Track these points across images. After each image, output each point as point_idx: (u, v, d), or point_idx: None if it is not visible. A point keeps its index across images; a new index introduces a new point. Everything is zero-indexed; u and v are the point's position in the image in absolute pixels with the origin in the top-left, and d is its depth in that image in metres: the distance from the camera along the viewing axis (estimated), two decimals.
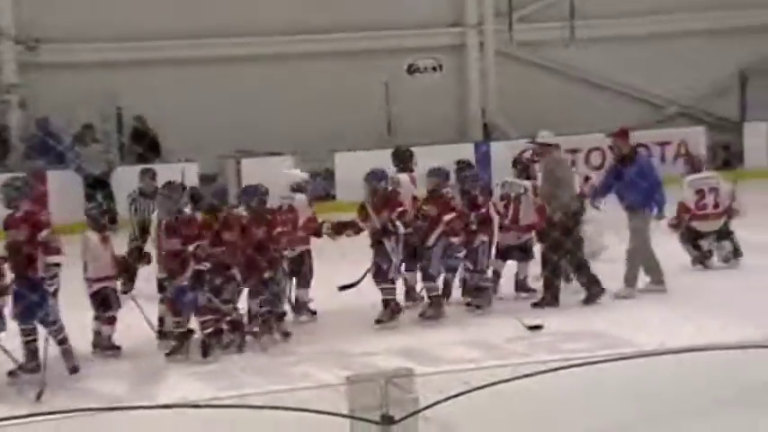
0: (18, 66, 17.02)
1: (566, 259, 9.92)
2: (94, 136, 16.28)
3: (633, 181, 9.87)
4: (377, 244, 9.29)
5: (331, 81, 17.76)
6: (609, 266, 10.09)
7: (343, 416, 5.86)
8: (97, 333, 8.89)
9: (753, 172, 18.40)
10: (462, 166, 10.27)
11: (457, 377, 7.30)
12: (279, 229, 9.02)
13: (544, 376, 6.67)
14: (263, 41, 17.85)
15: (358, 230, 9.60)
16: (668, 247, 10.52)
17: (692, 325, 8.24)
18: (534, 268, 10.24)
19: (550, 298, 9.74)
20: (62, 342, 8.30)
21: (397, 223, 9.29)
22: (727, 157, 19.05)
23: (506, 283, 10.39)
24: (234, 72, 17.53)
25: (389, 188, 9.55)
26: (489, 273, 9.93)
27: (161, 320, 9.09)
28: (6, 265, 8.16)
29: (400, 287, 9.72)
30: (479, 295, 9.71)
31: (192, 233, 8.61)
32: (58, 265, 8.13)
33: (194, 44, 17.49)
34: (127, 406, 7.04)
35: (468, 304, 9.75)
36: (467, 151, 17.56)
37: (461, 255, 9.64)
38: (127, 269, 9.14)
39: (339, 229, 9.65)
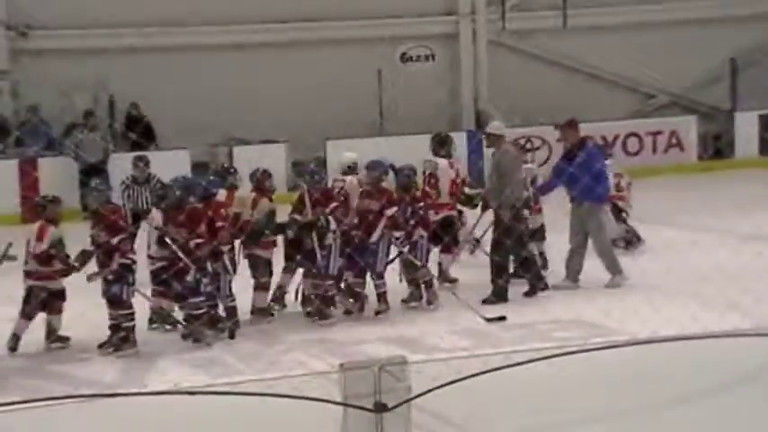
0: (9, 52, 16.94)
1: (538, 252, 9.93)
2: (95, 123, 16.22)
3: (578, 172, 9.78)
4: (309, 236, 9.17)
5: (324, 69, 17.71)
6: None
7: (337, 403, 5.87)
8: (160, 308, 9.08)
9: (743, 161, 18.46)
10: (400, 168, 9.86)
11: (450, 365, 7.34)
12: (220, 224, 8.84)
13: (537, 364, 6.70)
14: (256, 29, 17.80)
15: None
16: (664, 236, 10.55)
17: (685, 313, 8.26)
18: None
19: (498, 293, 9.61)
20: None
21: (330, 218, 9.17)
22: (719, 147, 19.09)
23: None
24: (226, 60, 17.48)
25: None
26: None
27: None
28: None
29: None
30: (416, 290, 9.58)
31: (117, 225, 8.49)
32: None
33: (187, 31, 17.43)
34: (119, 393, 7.04)
35: (403, 301, 9.61)
36: (459, 140, 17.58)
37: (406, 249, 9.45)
38: None
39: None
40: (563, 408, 6.95)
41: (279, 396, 5.92)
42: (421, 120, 17.76)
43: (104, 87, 16.82)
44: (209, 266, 8.73)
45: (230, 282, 8.99)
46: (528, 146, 17.99)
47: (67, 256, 8.58)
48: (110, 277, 8.43)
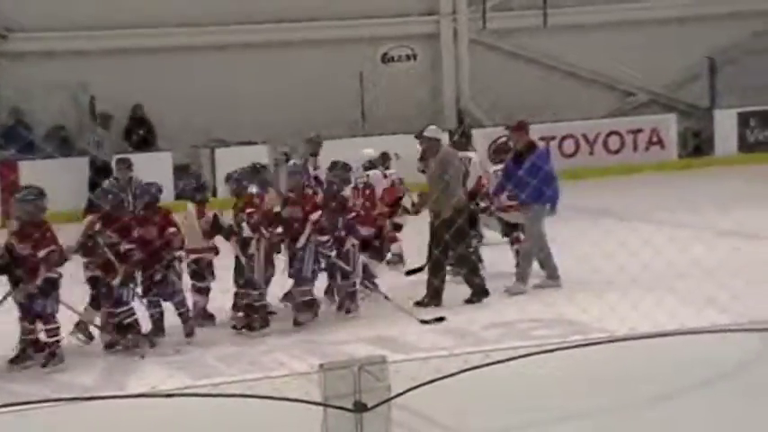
0: None
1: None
2: (109, 122, 16.30)
3: (526, 175, 9.73)
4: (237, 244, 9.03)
5: (306, 70, 17.73)
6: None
7: (317, 403, 5.89)
8: (194, 304, 9.21)
9: (723, 158, 18.58)
10: (332, 166, 9.74)
11: (429, 364, 7.36)
12: (171, 230, 8.77)
13: (516, 362, 6.74)
14: (237, 30, 17.78)
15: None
16: (643, 233, 10.53)
17: (663, 310, 8.31)
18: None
19: (432, 296, 9.50)
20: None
21: (243, 225, 8.94)
22: (698, 144, 19.20)
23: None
24: (207, 61, 17.47)
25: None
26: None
27: None
28: None
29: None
30: (352, 300, 9.39)
31: (42, 239, 8.26)
32: None
33: (167, 33, 17.40)
34: (98, 396, 7.03)
35: (338, 308, 9.45)
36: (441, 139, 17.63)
37: (333, 254, 9.26)
38: None
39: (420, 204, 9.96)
40: (543, 406, 6.98)
41: (259, 397, 5.93)
42: (403, 119, 17.81)
43: (85, 89, 16.76)
44: (138, 275, 8.60)
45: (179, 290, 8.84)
46: (510, 144, 18.07)
47: None
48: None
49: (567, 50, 19.32)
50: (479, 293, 9.64)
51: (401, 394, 6.08)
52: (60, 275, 8.32)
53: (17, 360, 8.27)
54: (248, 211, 8.98)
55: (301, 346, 8.63)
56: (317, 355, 7.97)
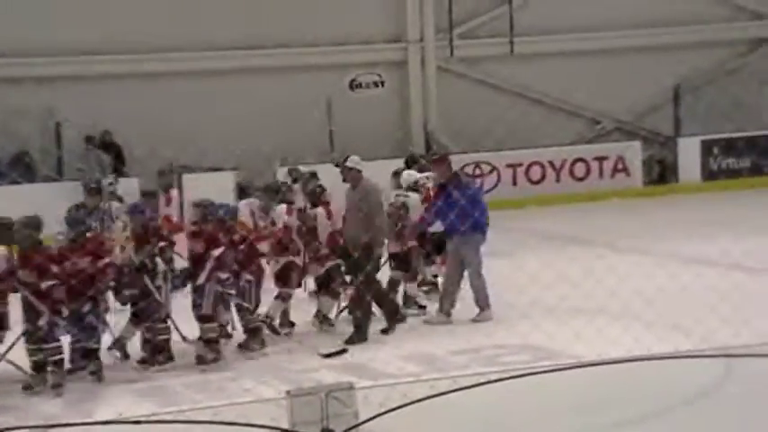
0: None
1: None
2: (105, 142, 16.31)
3: (452, 206, 9.69)
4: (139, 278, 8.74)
5: (273, 96, 17.78)
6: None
7: (284, 430, 5.89)
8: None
9: (686, 186, 18.81)
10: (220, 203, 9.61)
11: (397, 390, 7.37)
12: (106, 261, 8.52)
13: (483, 388, 6.76)
14: (206, 56, 17.82)
15: None
16: (609, 261, 10.63)
17: (629, 336, 8.37)
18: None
19: (360, 333, 9.32)
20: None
21: (157, 259, 8.71)
22: (662, 172, 19.43)
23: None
24: (175, 87, 17.47)
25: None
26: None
27: None
28: None
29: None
30: (253, 336, 9.14)
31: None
32: None
33: (133, 59, 17.39)
34: (65, 423, 6.96)
35: (239, 346, 9.18)
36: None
37: (233, 292, 9.03)
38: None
39: None
40: (510, 431, 7.00)
41: (226, 423, 5.92)
42: (371, 146, 17.86)
43: (51, 115, 16.68)
44: (64, 309, 8.31)
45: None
46: (477, 171, 18.23)
47: None
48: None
49: (534, 78, 19.52)
50: (358, 335, 9.32)
51: (369, 420, 6.10)
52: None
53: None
54: (162, 245, 8.78)
55: (268, 372, 8.58)
56: (284, 382, 7.94)
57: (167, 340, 8.79)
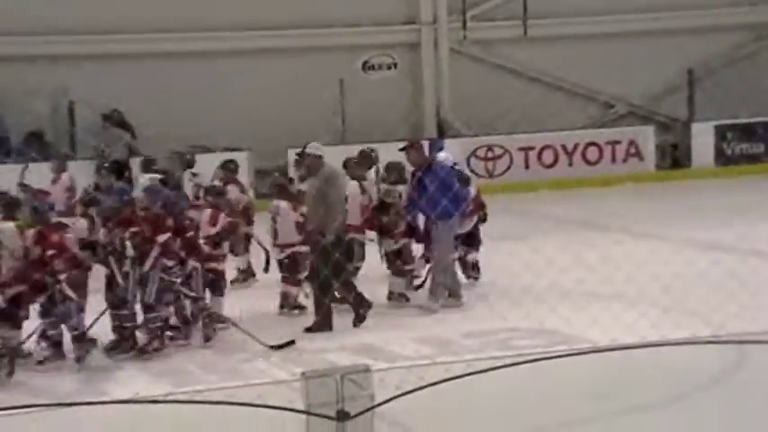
0: None
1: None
2: (122, 119, 16.20)
3: (428, 192, 9.58)
4: (106, 262, 8.58)
5: (287, 77, 17.71)
6: None
7: (299, 411, 5.87)
8: (285, 295, 9.60)
9: (700, 171, 18.71)
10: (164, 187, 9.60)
11: (412, 373, 7.35)
12: (50, 252, 8.26)
13: (498, 372, 6.74)
14: (219, 37, 17.76)
15: None
16: (624, 246, 10.57)
17: (645, 321, 8.34)
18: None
19: (322, 321, 9.17)
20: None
21: (127, 243, 8.49)
22: (676, 157, 19.33)
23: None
24: (189, 67, 17.42)
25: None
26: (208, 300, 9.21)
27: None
28: None
29: None
30: (208, 324, 8.96)
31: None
32: None
33: (149, 38, 17.35)
34: (81, 402, 6.96)
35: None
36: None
37: (178, 280, 8.83)
38: None
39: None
40: (523, 416, 6.99)
41: (241, 404, 5.90)
42: (383, 128, 17.81)
43: (64, 94, 16.66)
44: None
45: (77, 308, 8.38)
46: (489, 154, 18.17)
47: None
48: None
49: (547, 61, 19.40)
50: (323, 323, 9.17)
51: (384, 403, 6.08)
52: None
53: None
54: (132, 230, 8.56)
55: (282, 354, 8.59)
56: (299, 364, 7.93)
57: (133, 327, 8.61)
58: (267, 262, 9.88)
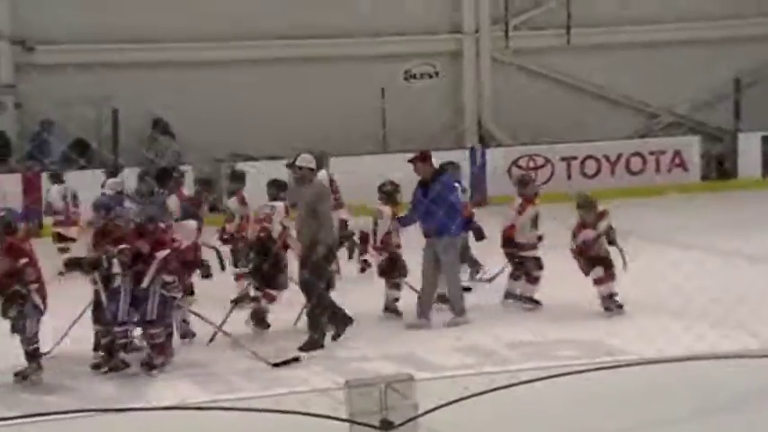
0: (15, 67, 16.95)
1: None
2: (167, 128, 16.34)
3: (432, 205, 9.44)
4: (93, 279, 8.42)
5: (328, 86, 17.74)
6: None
7: (343, 420, 5.84)
8: (390, 298, 9.84)
9: (747, 182, 18.46)
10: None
11: (456, 383, 7.29)
12: (23, 261, 8.09)
13: (542, 383, 6.67)
14: (260, 45, 17.83)
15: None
16: (671, 256, 10.38)
17: (691, 333, 8.23)
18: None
19: (317, 338, 8.94)
20: None
21: (114, 261, 8.31)
22: (722, 167, 19.10)
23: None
24: (230, 76, 17.50)
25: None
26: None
27: None
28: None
29: None
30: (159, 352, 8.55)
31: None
32: None
33: (191, 47, 17.47)
34: (127, 408, 6.98)
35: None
36: (461, 158, 17.55)
37: (178, 295, 8.71)
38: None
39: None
40: (568, 427, 6.91)
41: (285, 412, 5.89)
42: (424, 137, 17.78)
43: (108, 102, 16.82)
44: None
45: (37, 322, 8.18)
46: (531, 164, 18.07)
47: None
48: None
49: (591, 71, 19.27)
50: (316, 341, 8.94)
51: (429, 412, 6.03)
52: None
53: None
54: (121, 247, 8.37)
55: (323, 362, 8.56)
56: (339, 372, 7.93)
57: (123, 345, 8.43)
58: (220, 260, 9.71)
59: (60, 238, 12.36)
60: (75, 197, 12.40)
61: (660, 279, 9.53)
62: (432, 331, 9.42)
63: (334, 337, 9.12)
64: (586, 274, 9.72)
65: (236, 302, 9.57)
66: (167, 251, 8.50)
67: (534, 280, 10.14)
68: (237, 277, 10.02)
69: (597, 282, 9.64)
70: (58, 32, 16.89)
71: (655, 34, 19.26)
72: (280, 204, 9.62)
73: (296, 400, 6.94)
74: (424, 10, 18.82)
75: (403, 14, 18.41)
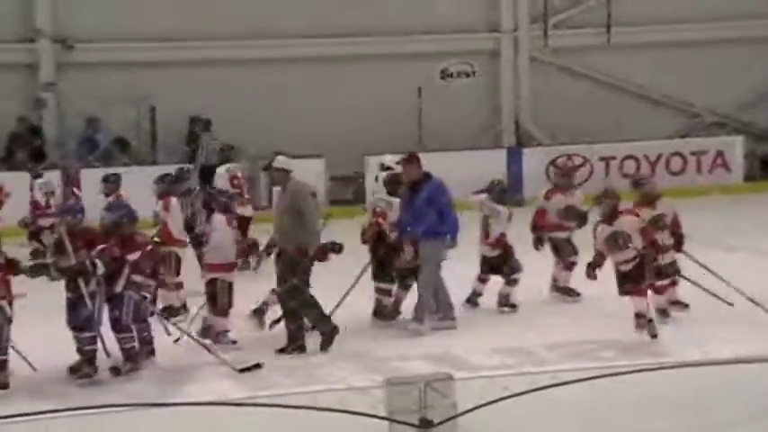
0: (55, 65, 17.08)
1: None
2: (208, 126, 16.61)
3: (421, 209, 9.24)
4: (72, 283, 8.14)
5: (364, 84, 17.70)
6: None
7: (382, 418, 5.78)
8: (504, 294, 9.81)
9: None
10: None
11: (495, 383, 7.22)
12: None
13: (583, 384, 6.58)
14: (298, 44, 17.81)
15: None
16: (715, 257, 10.21)
17: (737, 336, 8.10)
18: None
19: (297, 344, 8.77)
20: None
21: (96, 262, 8.10)
22: (765, 168, 18.81)
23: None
24: (267, 74, 17.51)
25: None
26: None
27: None
28: None
29: None
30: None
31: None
32: None
33: (229, 45, 17.49)
34: (167, 403, 6.98)
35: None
36: (499, 158, 17.46)
37: (149, 295, 8.57)
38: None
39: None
40: (608, 428, 6.81)
41: (324, 410, 5.85)
42: (460, 137, 17.68)
43: (147, 100, 16.90)
44: None
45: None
46: (569, 164, 17.88)
47: None
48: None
49: (631, 70, 19.04)
50: (295, 342, 8.79)
51: (469, 411, 5.96)
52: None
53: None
54: (101, 247, 8.18)
55: (359, 360, 8.52)
56: (376, 370, 7.89)
57: (94, 351, 8.14)
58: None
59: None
60: (52, 194, 12.45)
61: (703, 280, 9.37)
62: (471, 331, 9.31)
63: (322, 347, 8.84)
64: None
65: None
66: (139, 253, 8.34)
67: (570, 266, 10.08)
68: None
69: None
70: (98, 31, 16.98)
71: (696, 33, 19.00)
72: (396, 201, 9.61)
73: (333, 398, 6.90)
74: (463, 8, 18.70)
75: (441, 13, 18.31)
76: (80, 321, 8.09)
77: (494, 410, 6.05)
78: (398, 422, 5.87)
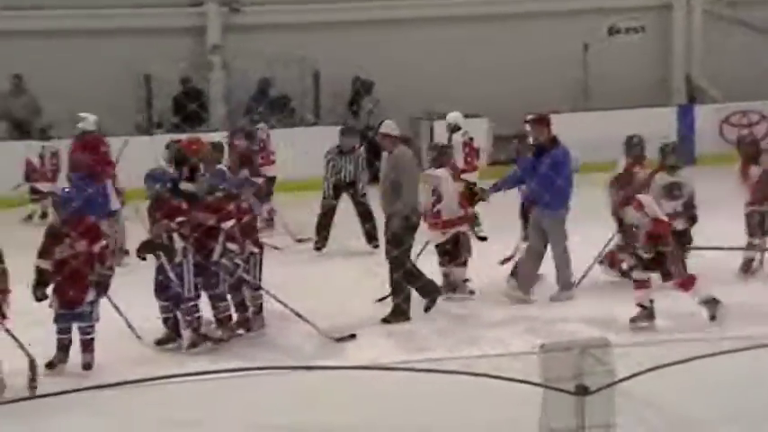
0: (222, 28, 17.55)
1: None
2: (370, 89, 16.86)
3: (546, 175, 8.80)
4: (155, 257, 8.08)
5: (528, 42, 17.42)
6: None
7: (537, 384, 5.72)
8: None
9: None
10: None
11: (651, 351, 7.05)
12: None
13: (746, 354, 6.32)
14: (460, 2, 17.70)
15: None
16: None
17: None
18: None
19: (400, 311, 8.62)
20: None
21: (174, 236, 7.97)
22: None
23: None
24: (430, 33, 17.46)
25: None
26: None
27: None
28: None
29: None
30: (255, 316, 8.49)
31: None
32: None
33: (388, 5, 17.55)
34: (321, 366, 7.14)
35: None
36: (669, 116, 16.89)
37: (241, 264, 8.36)
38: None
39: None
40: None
41: (477, 375, 5.82)
42: (628, 95, 17.17)
43: (311, 63, 17.16)
44: None
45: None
46: (745, 121, 17.14)
47: None
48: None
49: None
50: (398, 314, 8.66)
51: (628, 378, 5.83)
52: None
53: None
54: (179, 220, 8.05)
55: (522, 323, 8.49)
56: (538, 334, 7.83)
57: (198, 319, 8.12)
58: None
59: (33, 191, 13.48)
60: (53, 154, 13.30)
61: None
62: (627, 295, 9.08)
63: (426, 309, 8.78)
64: None
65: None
66: (233, 221, 8.27)
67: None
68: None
69: None
70: None
71: None
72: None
73: (488, 364, 6.90)
74: None
75: None
76: (168, 295, 8.07)
77: (652, 378, 5.90)
78: (554, 389, 5.80)
